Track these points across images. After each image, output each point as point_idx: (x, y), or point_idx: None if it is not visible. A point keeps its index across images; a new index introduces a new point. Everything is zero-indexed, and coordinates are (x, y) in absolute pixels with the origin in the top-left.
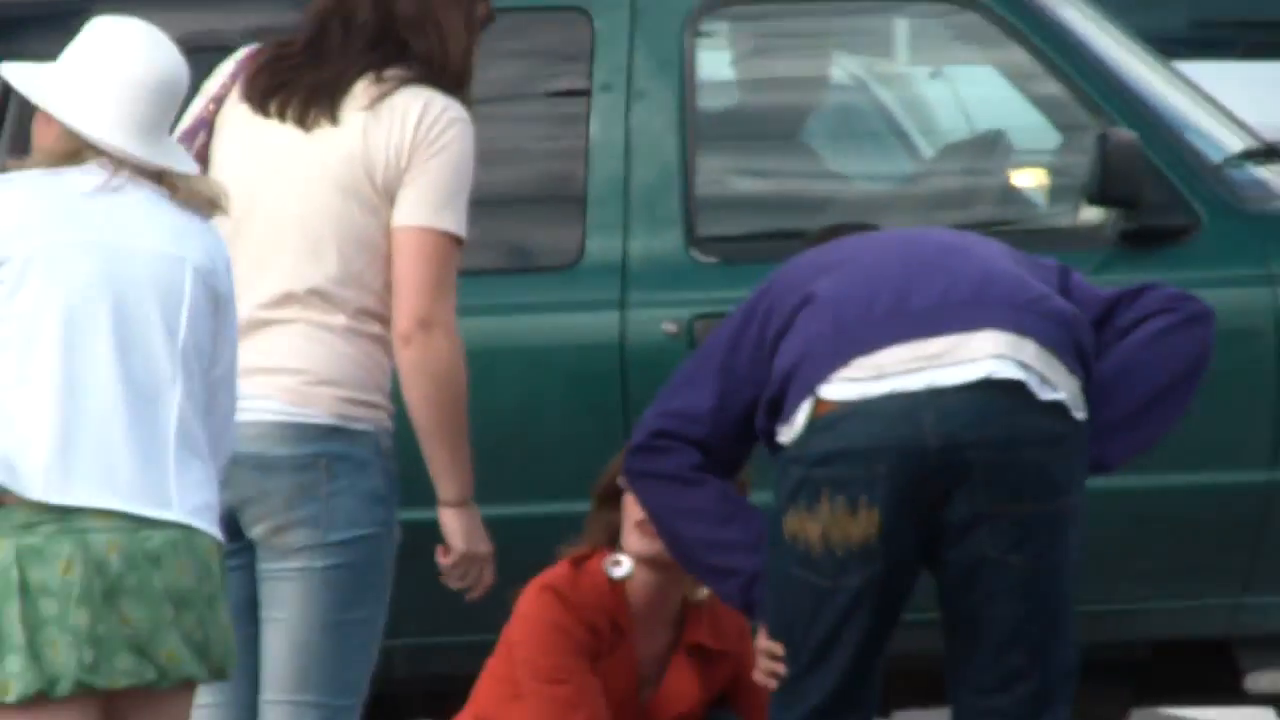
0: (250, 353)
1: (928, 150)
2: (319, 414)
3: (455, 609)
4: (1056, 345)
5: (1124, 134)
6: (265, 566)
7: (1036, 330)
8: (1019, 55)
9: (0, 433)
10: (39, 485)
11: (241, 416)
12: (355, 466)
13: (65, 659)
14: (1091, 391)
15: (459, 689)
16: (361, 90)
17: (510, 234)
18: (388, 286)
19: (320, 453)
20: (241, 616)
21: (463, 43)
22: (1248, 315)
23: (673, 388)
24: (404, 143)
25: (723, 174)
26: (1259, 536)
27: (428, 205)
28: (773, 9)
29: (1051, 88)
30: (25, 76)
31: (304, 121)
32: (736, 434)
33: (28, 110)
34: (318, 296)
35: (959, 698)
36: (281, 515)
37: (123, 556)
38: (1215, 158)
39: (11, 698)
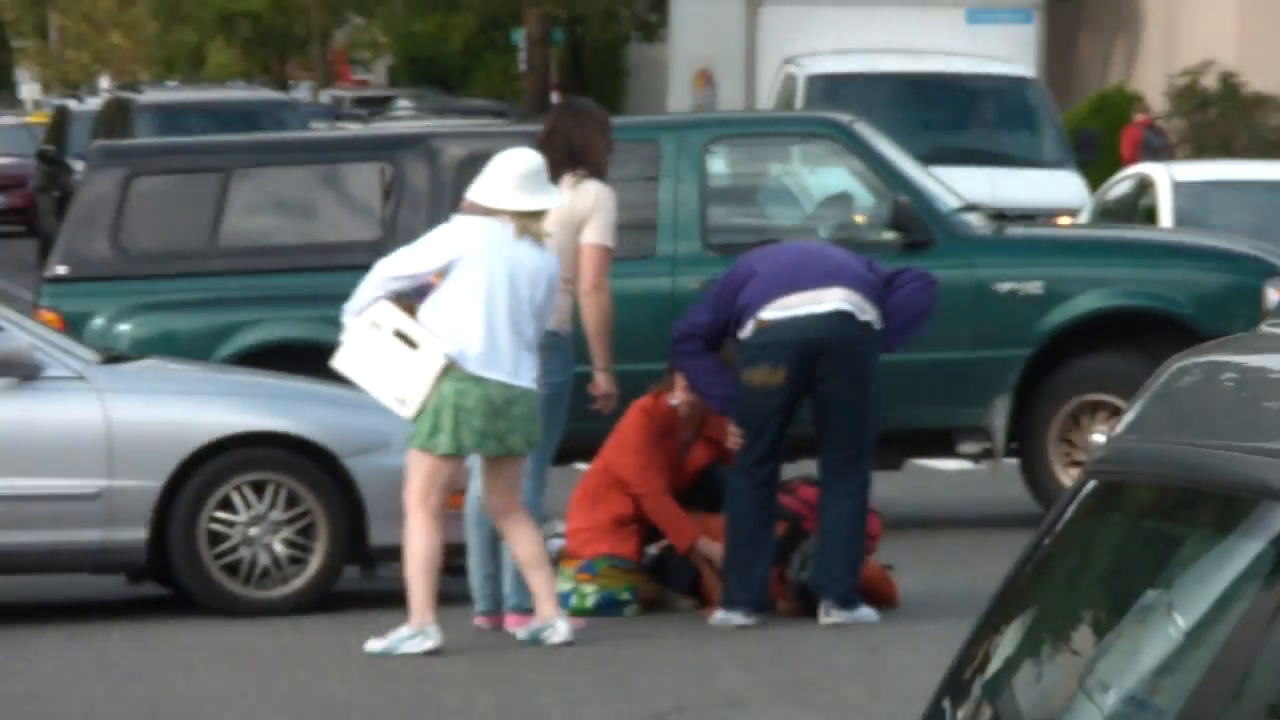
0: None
1: (809, 205)
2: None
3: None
4: (867, 294)
5: (903, 198)
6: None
7: (858, 287)
8: (854, 161)
9: (457, 338)
10: (472, 365)
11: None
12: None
13: (469, 440)
14: (884, 317)
15: None
16: (565, 180)
17: None
18: (574, 270)
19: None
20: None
21: (604, 157)
22: (955, 285)
23: (691, 311)
24: (585, 204)
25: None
26: (963, 377)
27: (595, 231)
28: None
29: (870, 176)
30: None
31: None
32: (720, 334)
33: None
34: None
35: (823, 460)
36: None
37: (501, 399)
38: (945, 210)
39: (440, 452)
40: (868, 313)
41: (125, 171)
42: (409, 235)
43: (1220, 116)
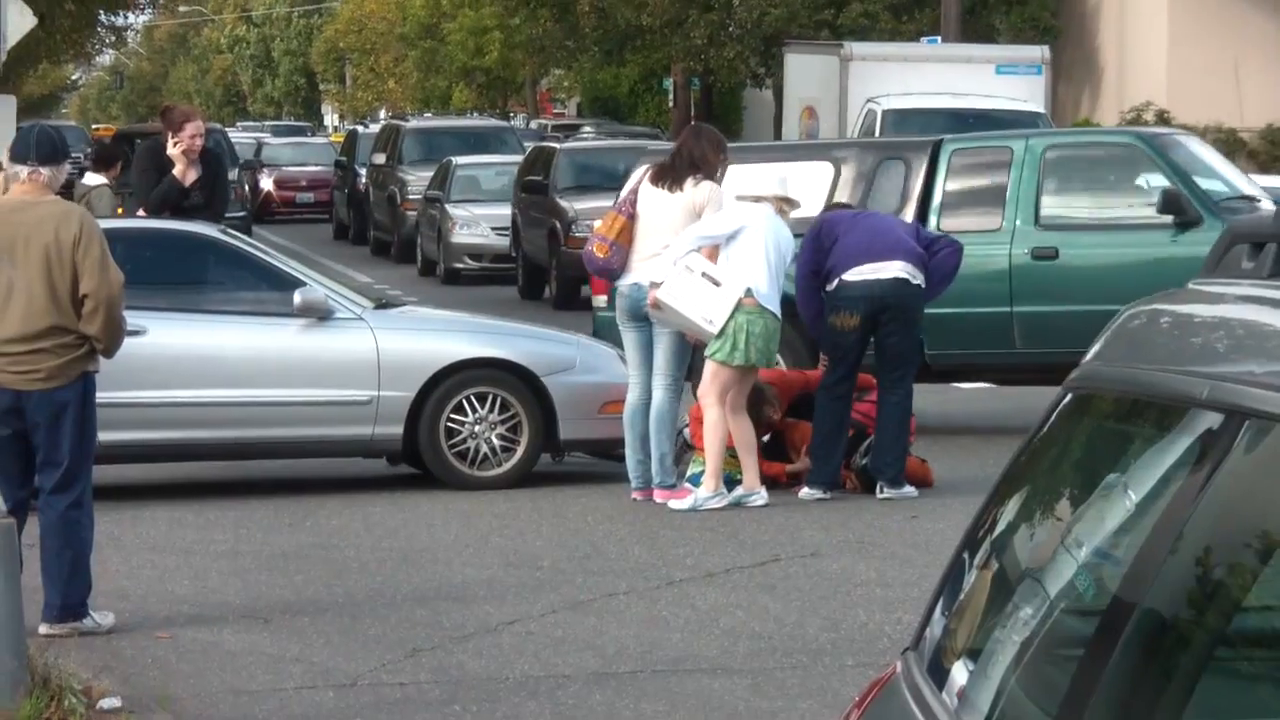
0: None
1: (1116, 194)
2: None
3: None
4: (917, 263)
5: (1173, 188)
6: None
7: (912, 259)
8: (1149, 163)
9: (750, 280)
10: (761, 300)
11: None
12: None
13: (753, 355)
14: (927, 277)
15: None
16: (689, 180)
17: None
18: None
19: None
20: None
21: (717, 165)
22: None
23: (798, 265)
24: (702, 196)
25: None
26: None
27: (710, 216)
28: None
29: (1164, 175)
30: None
31: (671, 189)
32: (819, 279)
33: None
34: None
35: (880, 379)
36: None
37: (774, 325)
38: (1214, 198)
39: (735, 364)
40: (917, 277)
41: None
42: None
43: None
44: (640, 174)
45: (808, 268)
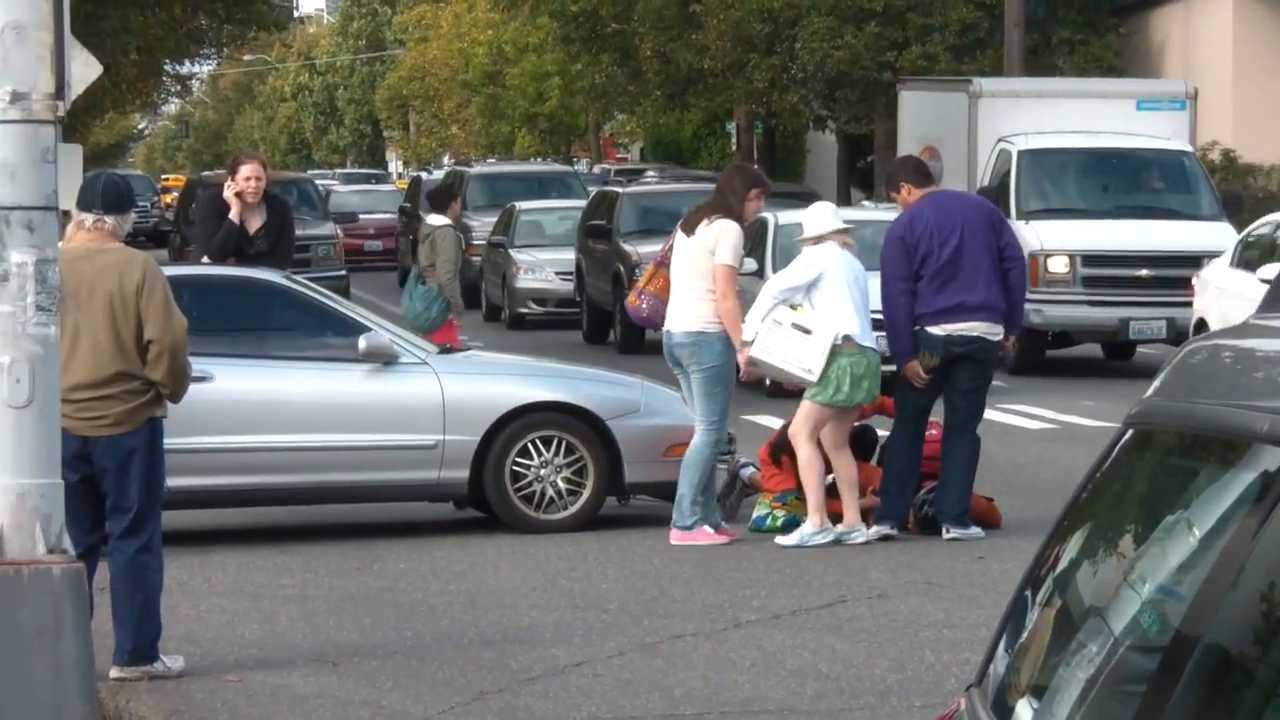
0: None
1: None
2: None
3: None
4: (998, 320)
5: None
6: None
7: (994, 319)
8: None
9: (843, 324)
10: (859, 339)
11: None
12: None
13: (858, 395)
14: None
15: None
16: (704, 222)
17: None
18: (711, 288)
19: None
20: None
21: (742, 203)
22: None
23: (883, 274)
24: (713, 235)
25: None
26: None
27: (724, 254)
28: None
29: None
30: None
31: (689, 233)
32: (912, 286)
33: None
34: (702, 282)
35: (948, 420)
36: None
37: (876, 362)
38: None
39: (838, 403)
40: (996, 333)
41: None
42: None
43: (1222, 180)
44: (680, 223)
45: (900, 271)
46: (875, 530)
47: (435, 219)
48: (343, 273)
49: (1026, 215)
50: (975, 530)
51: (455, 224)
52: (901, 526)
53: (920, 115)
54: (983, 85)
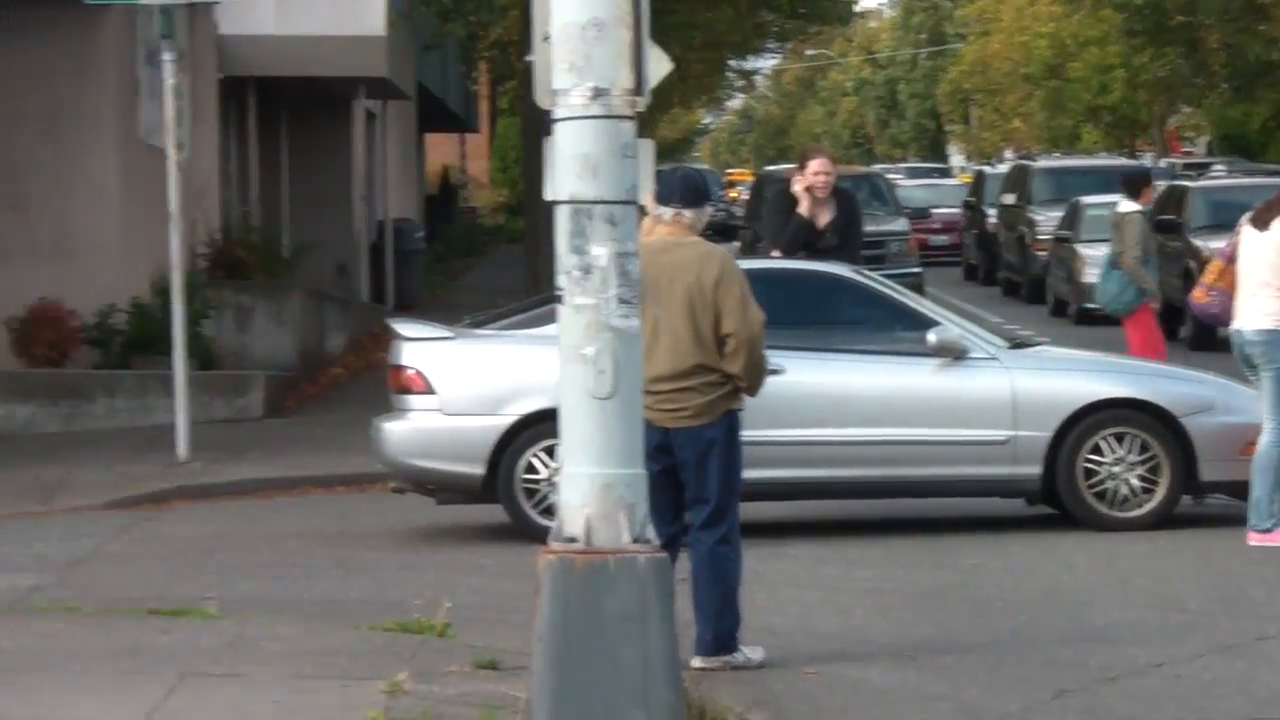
0: None
1: None
2: None
3: None
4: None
5: None
6: None
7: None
8: None
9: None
10: None
11: None
12: None
13: None
14: None
15: None
16: (1277, 219)
17: None
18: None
19: None
20: None
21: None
22: None
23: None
24: None
25: None
26: None
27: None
28: None
29: None
30: None
31: (1260, 228)
32: None
33: None
34: (1275, 279)
35: None
36: None
37: None
38: None
39: None
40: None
41: None
42: None
43: None
44: (1246, 217)
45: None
46: None
47: (1127, 205)
48: (918, 269)
49: None
50: None
51: (1144, 211)
52: None
53: None
54: None
